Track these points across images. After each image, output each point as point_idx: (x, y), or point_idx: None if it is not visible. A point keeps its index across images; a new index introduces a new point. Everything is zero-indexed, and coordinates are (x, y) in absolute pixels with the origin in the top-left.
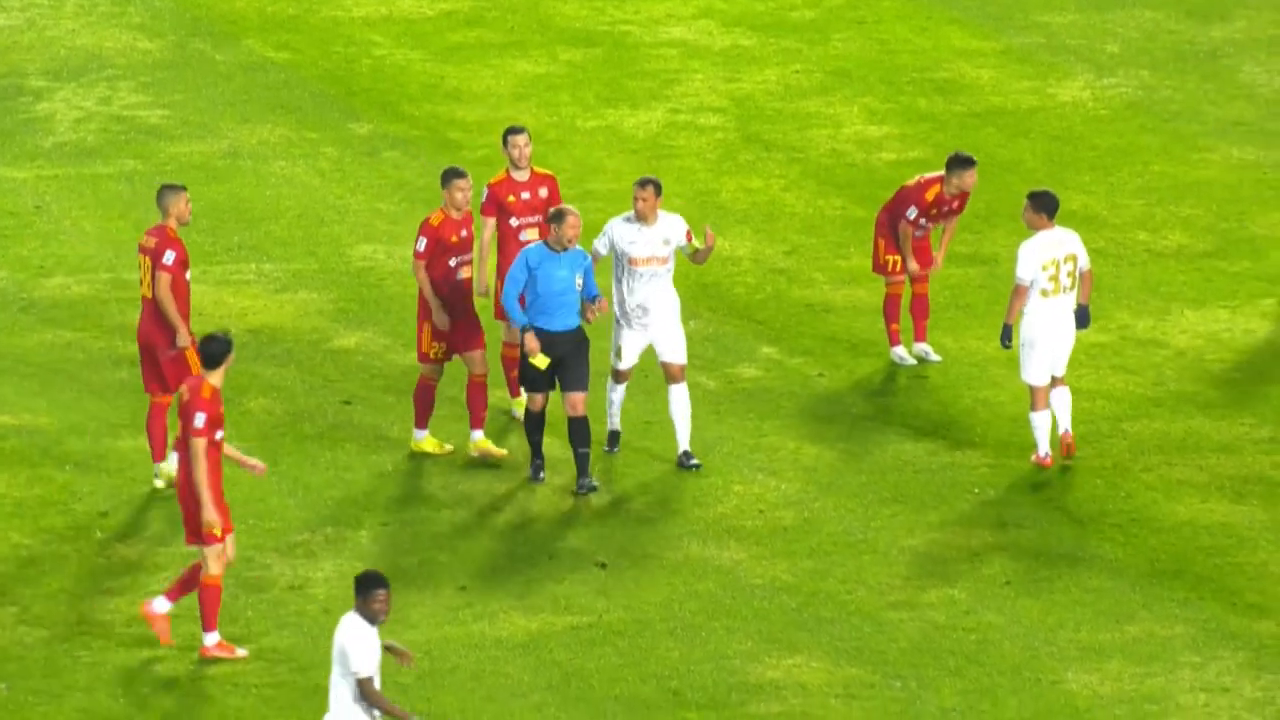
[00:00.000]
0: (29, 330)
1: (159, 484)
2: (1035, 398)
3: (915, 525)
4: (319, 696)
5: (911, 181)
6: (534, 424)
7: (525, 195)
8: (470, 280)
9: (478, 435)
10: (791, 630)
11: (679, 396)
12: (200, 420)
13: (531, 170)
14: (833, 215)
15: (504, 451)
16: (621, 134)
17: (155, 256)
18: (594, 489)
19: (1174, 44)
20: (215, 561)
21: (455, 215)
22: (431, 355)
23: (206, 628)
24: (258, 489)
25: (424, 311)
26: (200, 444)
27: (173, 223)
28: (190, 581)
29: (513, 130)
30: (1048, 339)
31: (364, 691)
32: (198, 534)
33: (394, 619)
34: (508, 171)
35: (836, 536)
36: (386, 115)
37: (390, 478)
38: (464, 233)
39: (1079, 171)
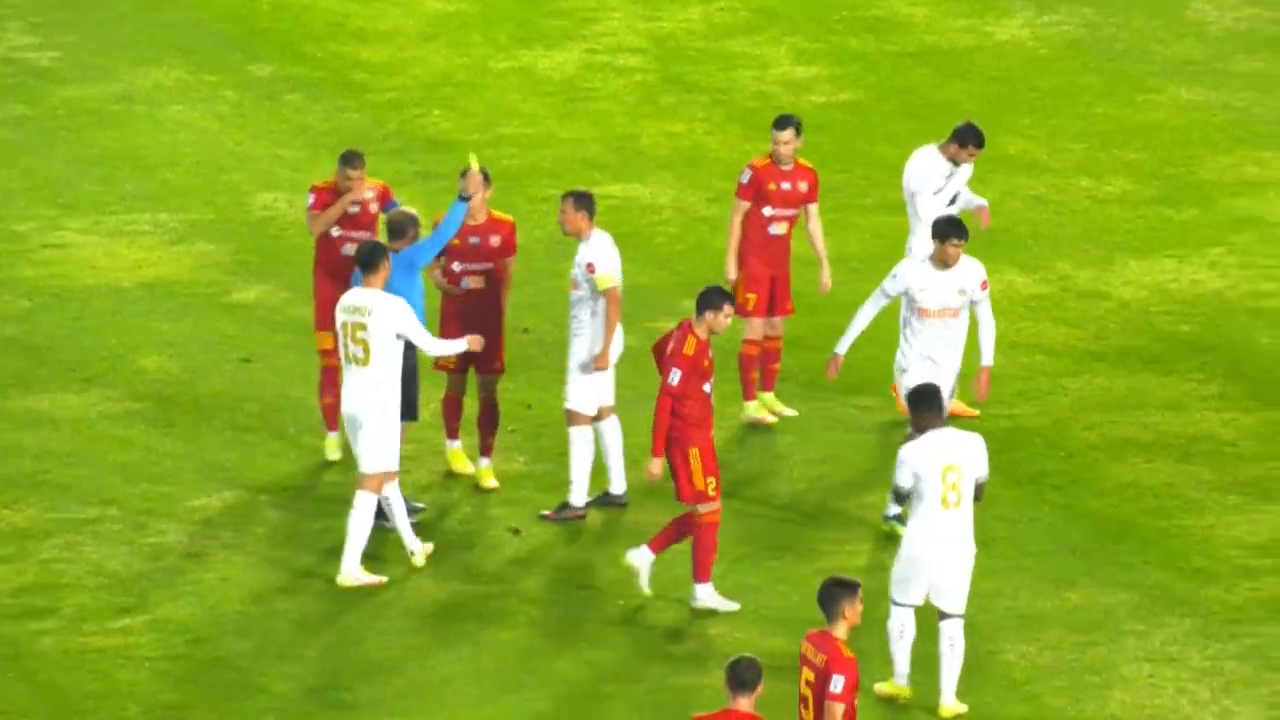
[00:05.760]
0: None
1: None
2: None
3: (846, 487)
4: (216, 669)
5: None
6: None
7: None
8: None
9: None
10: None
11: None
12: None
13: (488, 214)
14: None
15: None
16: (536, 76)
17: None
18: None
19: None
20: None
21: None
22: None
23: None
24: (152, 451)
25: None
26: None
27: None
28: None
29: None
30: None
31: None
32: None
33: (290, 587)
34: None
35: (760, 499)
36: (288, 56)
37: (292, 439)
38: (351, 209)
39: (1018, 114)
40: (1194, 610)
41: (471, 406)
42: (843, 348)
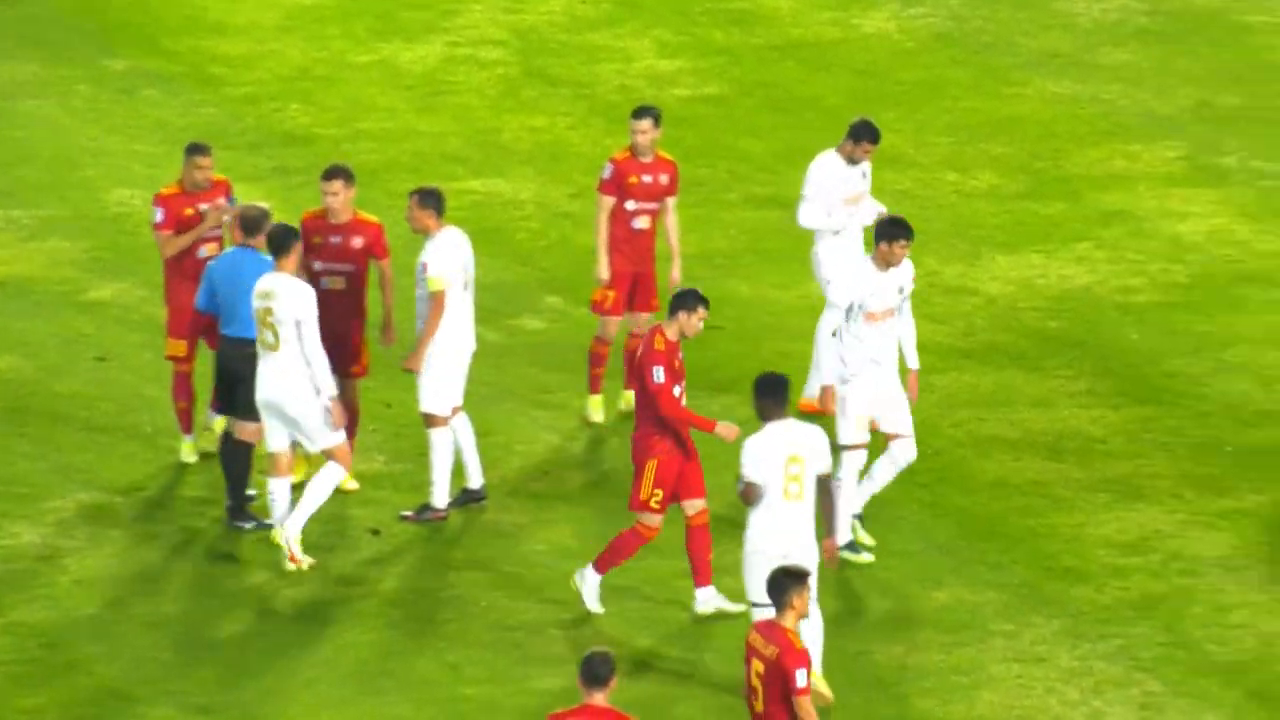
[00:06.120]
0: None
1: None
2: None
3: (712, 487)
4: (71, 673)
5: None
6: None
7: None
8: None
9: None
10: (577, 599)
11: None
12: None
13: (353, 214)
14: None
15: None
16: (396, 69)
17: None
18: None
19: None
20: None
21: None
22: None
23: None
24: (6, 452)
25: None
26: None
27: None
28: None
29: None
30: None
31: None
32: None
33: (146, 590)
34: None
35: (626, 500)
36: (144, 50)
37: (148, 440)
38: (202, 206)
39: (884, 107)
40: (1063, 610)
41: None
42: (829, 378)
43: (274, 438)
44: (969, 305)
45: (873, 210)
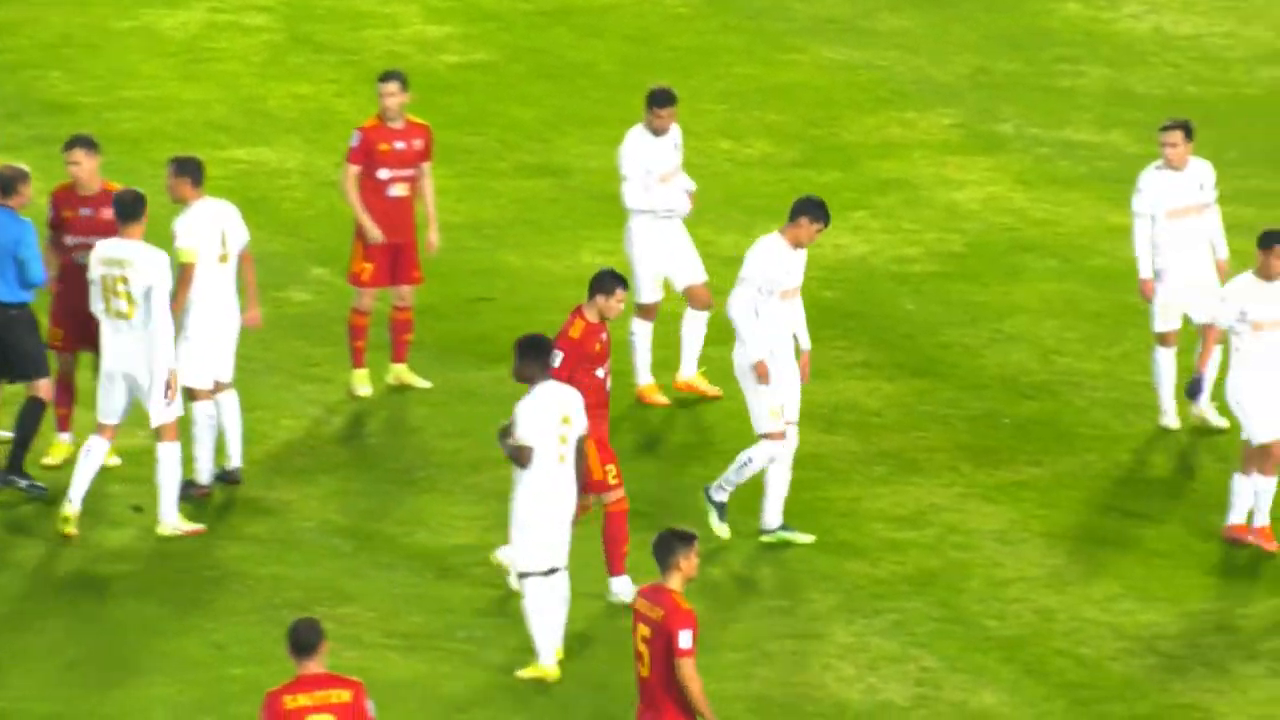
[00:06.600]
0: None
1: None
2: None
3: (480, 460)
4: None
5: None
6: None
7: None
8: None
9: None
10: (344, 578)
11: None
12: None
13: (102, 184)
14: None
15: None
16: (158, 35)
17: None
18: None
19: None
20: None
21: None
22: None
23: None
24: None
25: None
26: None
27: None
28: None
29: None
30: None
31: None
32: None
33: None
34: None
35: (396, 474)
36: None
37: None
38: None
39: (656, 74)
40: (838, 585)
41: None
42: (758, 353)
43: (111, 408)
44: None
45: (683, 187)
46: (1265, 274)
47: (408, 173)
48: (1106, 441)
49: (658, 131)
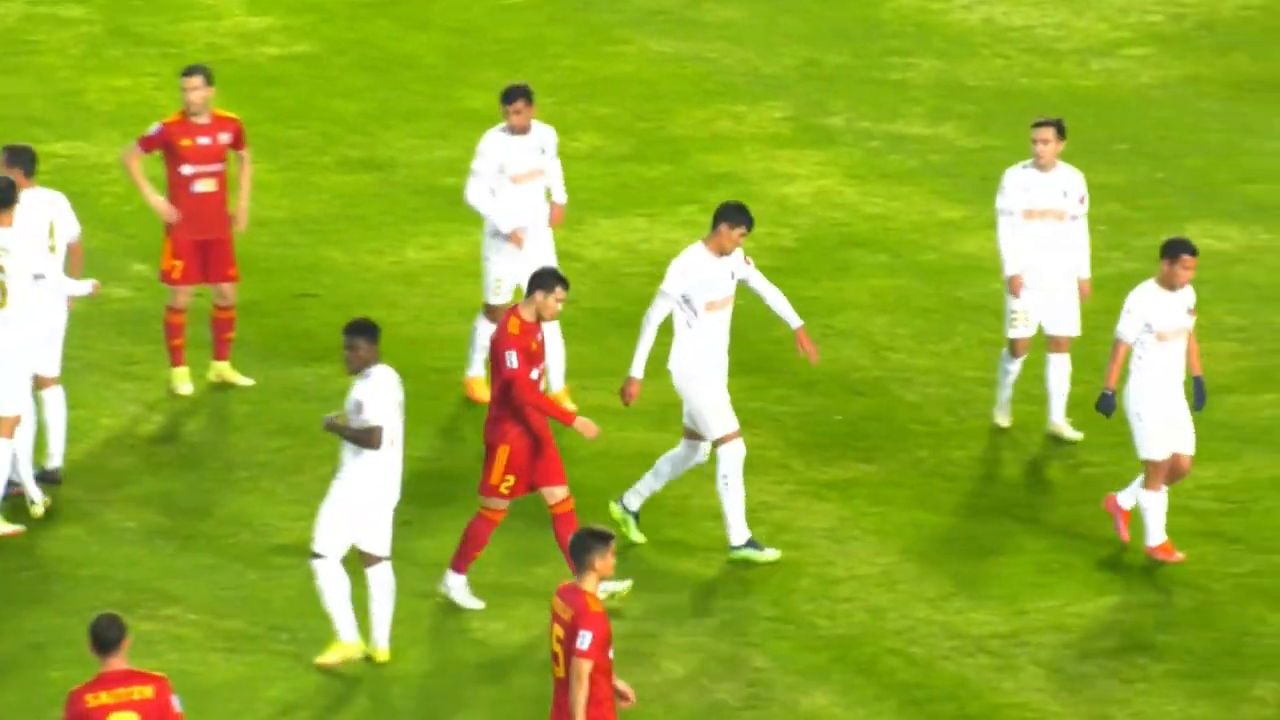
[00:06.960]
0: None
1: None
2: None
3: (303, 459)
4: None
5: None
6: None
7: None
8: None
9: None
10: (167, 578)
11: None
12: None
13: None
14: None
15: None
16: None
17: None
18: None
19: None
20: None
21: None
22: None
23: None
24: None
25: None
26: None
27: None
28: None
29: None
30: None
31: None
32: None
33: None
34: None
35: (217, 472)
36: None
37: None
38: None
39: (482, 67)
40: (669, 585)
41: None
42: (638, 370)
43: (9, 399)
44: (572, 271)
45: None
46: (1168, 284)
47: (214, 168)
48: (938, 438)
49: (515, 129)
